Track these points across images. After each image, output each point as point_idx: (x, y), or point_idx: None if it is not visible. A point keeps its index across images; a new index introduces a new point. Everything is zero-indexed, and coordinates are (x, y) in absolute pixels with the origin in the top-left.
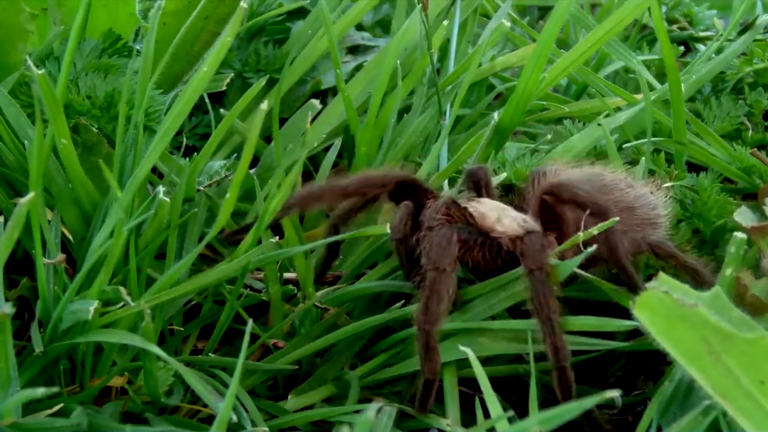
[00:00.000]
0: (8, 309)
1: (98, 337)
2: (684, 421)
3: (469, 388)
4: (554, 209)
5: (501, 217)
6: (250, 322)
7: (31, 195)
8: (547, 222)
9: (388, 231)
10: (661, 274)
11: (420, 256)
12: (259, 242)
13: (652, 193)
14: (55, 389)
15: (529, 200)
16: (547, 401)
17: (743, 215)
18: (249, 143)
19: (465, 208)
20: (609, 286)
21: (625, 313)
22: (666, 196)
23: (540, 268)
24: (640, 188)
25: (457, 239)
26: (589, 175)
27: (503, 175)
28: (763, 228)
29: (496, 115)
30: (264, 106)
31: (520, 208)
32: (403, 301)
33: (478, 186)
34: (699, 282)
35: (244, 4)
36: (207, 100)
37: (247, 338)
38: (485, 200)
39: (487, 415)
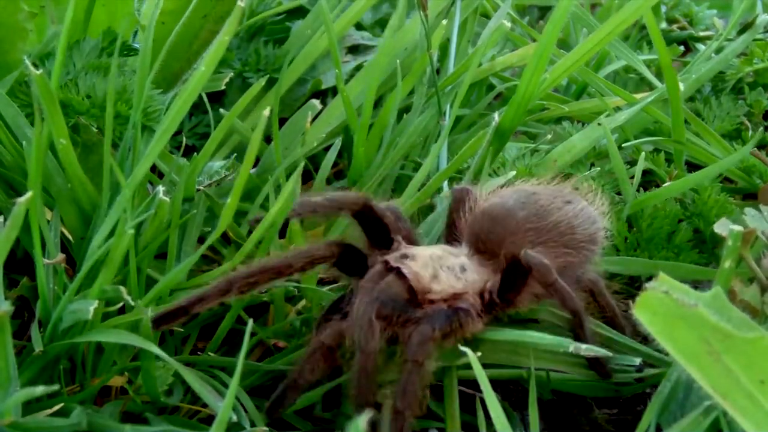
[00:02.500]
0: (8, 308)
1: (98, 337)
2: (684, 422)
3: (469, 388)
4: (494, 246)
5: (437, 273)
6: (251, 322)
7: (29, 194)
8: (483, 253)
9: None
10: (661, 274)
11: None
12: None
13: (588, 201)
14: (54, 387)
15: (461, 227)
16: (547, 401)
17: (752, 217)
18: (251, 148)
19: (397, 269)
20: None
21: None
22: (600, 198)
23: (415, 361)
24: (577, 201)
25: (378, 315)
26: (524, 198)
27: (510, 175)
28: (747, 235)
29: (496, 115)
30: (267, 112)
31: (452, 235)
32: None
33: (397, 225)
34: (612, 325)
35: (241, 3)
36: (206, 100)
37: (247, 338)
38: (420, 253)
39: (487, 415)
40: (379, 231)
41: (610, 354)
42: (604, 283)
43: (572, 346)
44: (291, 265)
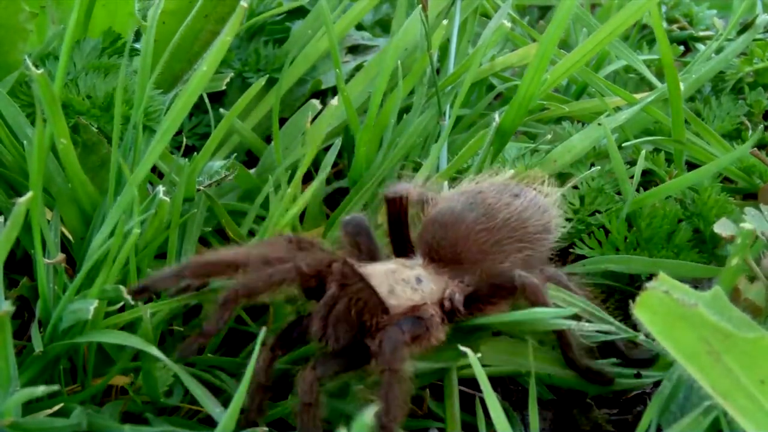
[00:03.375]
0: (8, 307)
1: (98, 338)
2: (684, 422)
3: (469, 388)
4: (448, 253)
5: (393, 288)
6: (263, 330)
7: (29, 194)
8: (438, 262)
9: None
10: (662, 274)
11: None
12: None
13: (537, 190)
14: (54, 388)
15: (411, 237)
16: (547, 401)
17: (752, 217)
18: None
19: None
20: (606, 284)
21: None
22: (549, 184)
23: (391, 369)
24: (525, 193)
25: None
26: (471, 199)
27: (507, 174)
28: None
29: (497, 116)
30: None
31: (402, 247)
32: None
33: (356, 240)
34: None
35: (244, 3)
36: (206, 100)
37: (257, 348)
38: (373, 270)
39: (487, 415)
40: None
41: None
42: (566, 276)
43: (575, 324)
44: (256, 288)
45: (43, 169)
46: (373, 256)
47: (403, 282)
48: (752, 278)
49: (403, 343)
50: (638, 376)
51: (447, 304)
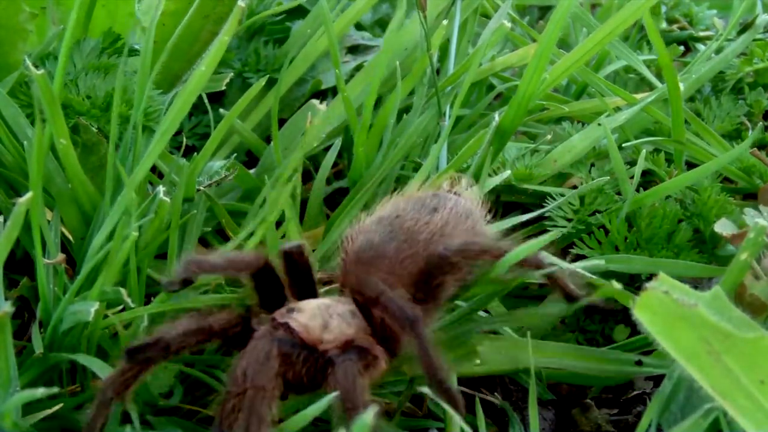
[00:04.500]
0: (8, 308)
1: (98, 339)
2: (685, 424)
3: (469, 388)
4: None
5: (327, 322)
6: None
7: (29, 194)
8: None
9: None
10: (661, 274)
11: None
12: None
13: (457, 194)
14: (54, 390)
15: (335, 277)
16: (547, 401)
17: (752, 218)
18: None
19: (286, 324)
20: (607, 285)
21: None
22: (467, 183)
23: (350, 408)
24: (444, 204)
25: (277, 354)
26: (389, 228)
27: (505, 174)
28: (742, 235)
29: (497, 116)
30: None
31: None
32: None
33: (294, 268)
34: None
35: (242, 3)
36: (206, 100)
37: None
38: (306, 305)
39: (487, 415)
40: (276, 290)
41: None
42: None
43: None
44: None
45: (42, 169)
46: (310, 291)
47: (338, 316)
48: (757, 276)
49: (358, 373)
50: (639, 363)
51: (374, 348)
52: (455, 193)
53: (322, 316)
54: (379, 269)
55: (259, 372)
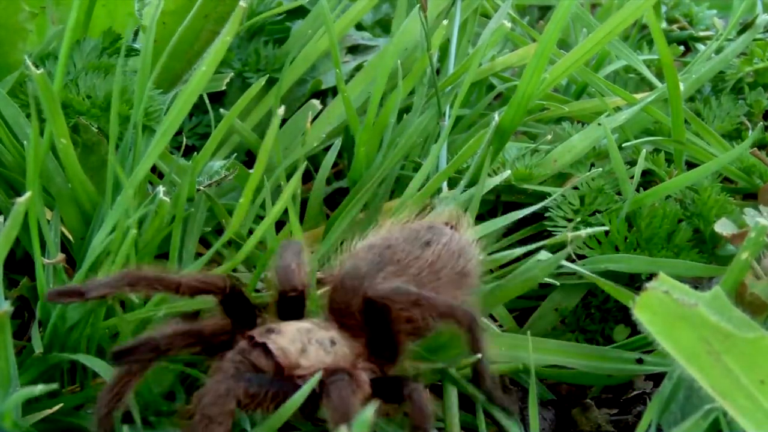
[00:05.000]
0: (8, 308)
1: (98, 339)
2: (685, 425)
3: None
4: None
5: (305, 348)
6: None
7: (28, 194)
8: (350, 326)
9: None
10: (661, 274)
11: None
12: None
13: (452, 227)
14: (54, 386)
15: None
16: (547, 401)
17: (752, 218)
18: (261, 156)
19: (263, 344)
20: (607, 283)
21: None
22: (466, 219)
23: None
24: (438, 239)
25: (242, 394)
26: (378, 257)
27: (505, 174)
28: (742, 235)
29: (496, 115)
30: (281, 111)
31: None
32: None
33: (288, 284)
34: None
35: (243, 3)
36: (206, 100)
37: None
38: (286, 327)
39: (487, 415)
40: (246, 312)
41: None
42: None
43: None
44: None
45: (40, 168)
46: (297, 307)
47: (317, 343)
48: (757, 276)
49: (352, 393)
50: (640, 361)
51: (357, 373)
52: (452, 228)
53: (301, 341)
54: (363, 299)
55: (215, 404)
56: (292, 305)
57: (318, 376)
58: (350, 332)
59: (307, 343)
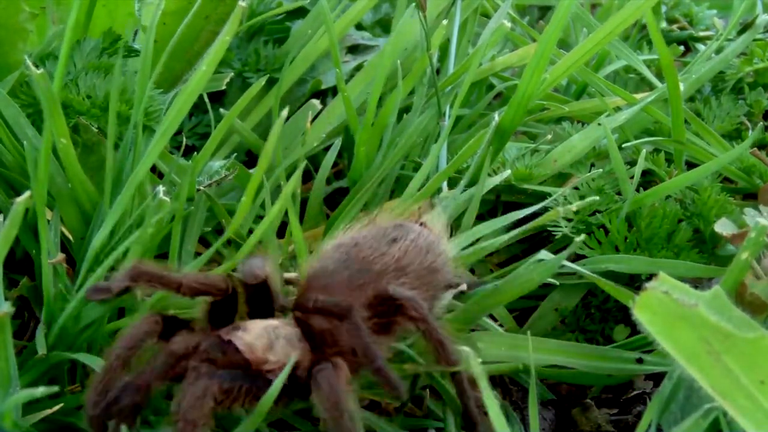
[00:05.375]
0: (8, 308)
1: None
2: (685, 424)
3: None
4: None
5: (272, 344)
6: None
7: (27, 194)
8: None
9: None
10: (661, 274)
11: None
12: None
13: (422, 224)
14: (54, 389)
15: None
16: (547, 401)
17: (752, 218)
18: (263, 156)
19: (229, 342)
20: (607, 283)
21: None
22: (438, 216)
23: (342, 415)
24: (405, 235)
25: (217, 390)
26: (345, 256)
27: (505, 174)
28: (742, 235)
29: (496, 115)
30: (285, 112)
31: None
32: None
33: (252, 276)
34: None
35: (243, 3)
36: (206, 100)
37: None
38: (252, 325)
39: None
40: (230, 313)
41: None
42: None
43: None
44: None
45: (48, 169)
46: (267, 306)
47: (284, 339)
48: (757, 276)
49: (339, 379)
50: (640, 361)
51: (334, 360)
52: (422, 224)
53: (268, 337)
54: (331, 296)
55: (194, 407)
56: (260, 300)
57: (288, 368)
58: (315, 330)
59: (274, 338)
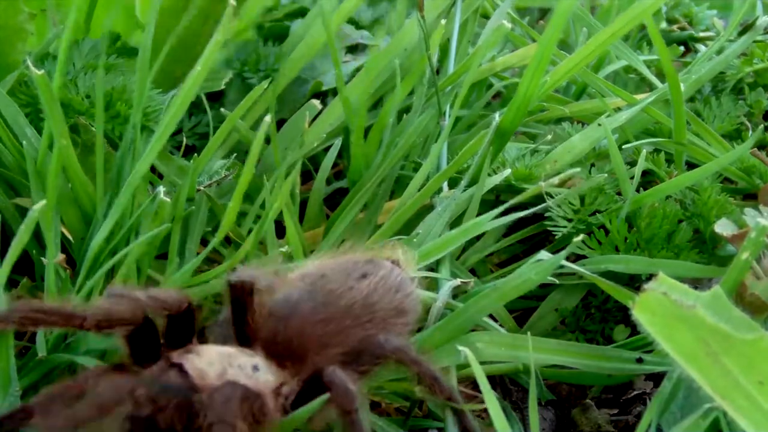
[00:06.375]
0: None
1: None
2: (685, 424)
3: (469, 388)
4: (286, 348)
5: (225, 371)
6: None
7: (42, 202)
8: (279, 357)
9: None
10: (661, 275)
11: None
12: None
13: (395, 262)
14: None
15: (250, 330)
16: (547, 401)
17: (752, 218)
18: (251, 154)
19: (180, 365)
20: (607, 283)
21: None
22: (409, 256)
23: (223, 422)
24: (375, 272)
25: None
26: (310, 287)
27: (505, 173)
28: (742, 235)
29: (497, 116)
30: (268, 118)
31: (244, 338)
32: None
33: (240, 302)
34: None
35: (233, 2)
36: (205, 100)
37: None
38: (206, 350)
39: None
40: (185, 334)
41: None
42: (413, 349)
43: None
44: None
45: (59, 173)
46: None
47: (238, 367)
48: (757, 276)
49: (236, 398)
50: (640, 361)
51: (281, 399)
52: (394, 262)
53: (221, 363)
54: (291, 327)
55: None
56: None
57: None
58: (276, 360)
59: (227, 366)
